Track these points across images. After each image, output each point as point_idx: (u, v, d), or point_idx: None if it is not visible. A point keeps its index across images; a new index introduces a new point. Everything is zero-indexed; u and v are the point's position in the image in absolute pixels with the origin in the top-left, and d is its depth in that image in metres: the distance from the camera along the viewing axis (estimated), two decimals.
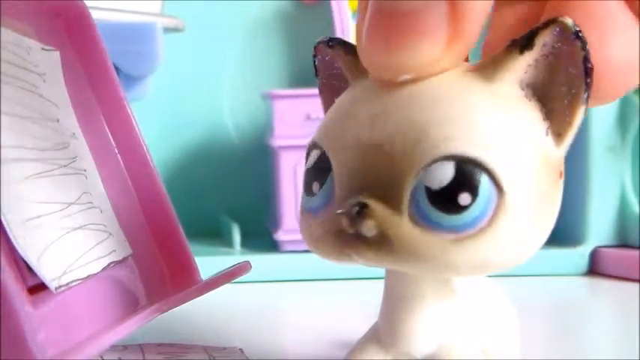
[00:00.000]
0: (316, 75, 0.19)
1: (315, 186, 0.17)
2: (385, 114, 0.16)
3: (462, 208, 0.15)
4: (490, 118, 0.15)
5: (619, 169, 0.43)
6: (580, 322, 0.33)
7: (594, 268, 0.43)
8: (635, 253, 0.41)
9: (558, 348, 0.27)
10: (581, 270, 0.42)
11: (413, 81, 0.16)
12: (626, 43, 0.16)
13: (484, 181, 0.15)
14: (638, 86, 0.17)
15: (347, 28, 0.48)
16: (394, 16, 0.15)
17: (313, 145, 0.17)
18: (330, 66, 0.19)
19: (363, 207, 0.15)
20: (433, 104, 0.15)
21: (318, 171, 0.17)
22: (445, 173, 0.15)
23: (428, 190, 0.15)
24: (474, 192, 0.15)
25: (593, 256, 0.43)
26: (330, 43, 0.18)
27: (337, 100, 0.18)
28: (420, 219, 0.15)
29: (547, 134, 0.16)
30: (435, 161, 0.15)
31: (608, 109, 0.42)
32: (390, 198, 0.15)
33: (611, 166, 0.43)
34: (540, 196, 0.15)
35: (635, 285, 0.38)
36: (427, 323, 0.17)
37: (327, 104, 0.19)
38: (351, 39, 0.47)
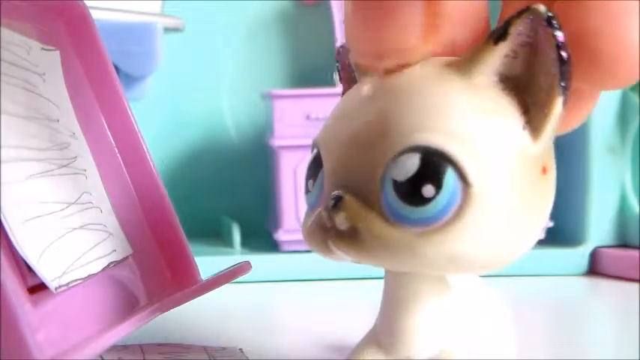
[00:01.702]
0: (340, 80, 0.19)
1: (310, 183, 0.17)
2: (363, 108, 0.16)
3: (426, 200, 0.15)
4: (461, 110, 0.15)
5: (619, 169, 0.43)
6: (580, 322, 0.33)
7: (594, 268, 0.43)
8: (635, 253, 0.41)
9: (558, 348, 0.27)
10: (581, 270, 0.42)
11: (394, 74, 0.16)
12: (636, 24, 0.16)
13: (449, 173, 0.14)
14: (638, 84, 0.17)
15: None
16: (372, 5, 0.15)
17: (313, 145, 0.17)
18: (350, 69, 0.19)
19: (338, 200, 0.15)
20: (404, 95, 0.15)
21: (313, 169, 0.17)
22: (411, 164, 0.15)
23: (394, 182, 0.15)
24: (437, 184, 0.14)
25: (593, 256, 0.43)
26: (343, 47, 0.18)
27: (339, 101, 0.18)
28: (388, 212, 0.15)
29: (524, 128, 0.15)
30: (401, 153, 0.15)
31: (608, 109, 0.42)
32: (364, 192, 0.15)
33: (611, 166, 0.43)
34: (518, 192, 0.15)
35: (635, 285, 0.38)
36: (425, 325, 0.17)
37: None
38: None
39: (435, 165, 0.14)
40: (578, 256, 0.43)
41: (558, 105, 0.15)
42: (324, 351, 0.26)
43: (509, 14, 0.15)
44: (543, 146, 0.15)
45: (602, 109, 0.42)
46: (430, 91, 0.15)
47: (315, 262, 0.41)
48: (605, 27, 0.15)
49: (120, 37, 0.43)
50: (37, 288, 0.20)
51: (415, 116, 0.15)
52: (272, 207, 0.47)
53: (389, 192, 0.15)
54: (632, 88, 0.42)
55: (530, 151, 0.15)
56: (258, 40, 0.52)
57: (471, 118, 0.15)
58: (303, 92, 0.44)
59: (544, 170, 0.16)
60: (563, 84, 0.15)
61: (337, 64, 0.19)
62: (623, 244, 0.43)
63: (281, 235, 0.43)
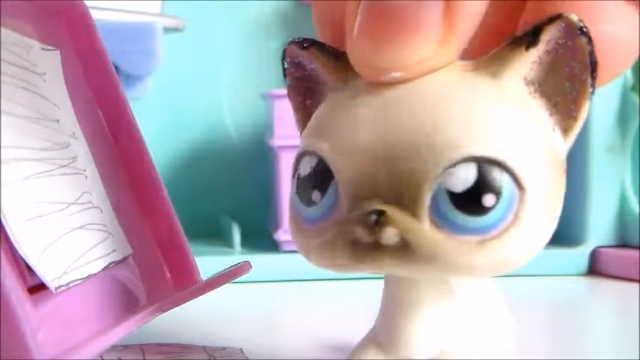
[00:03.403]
0: (284, 77, 0.19)
1: (316, 195, 0.16)
2: (391, 116, 0.15)
3: (487, 210, 0.15)
4: (501, 116, 0.15)
5: (619, 169, 0.43)
6: (580, 322, 0.33)
7: (594, 268, 0.43)
8: (635, 253, 0.41)
9: (558, 348, 0.27)
10: (581, 270, 0.42)
11: (409, 81, 0.15)
12: (617, 23, 0.16)
13: (506, 181, 0.15)
14: (638, 84, 0.17)
15: None
16: (387, 13, 0.15)
17: (306, 153, 0.17)
18: (301, 68, 0.18)
19: (381, 214, 0.15)
20: (440, 104, 0.15)
21: (318, 179, 0.16)
22: (467, 175, 0.15)
23: (450, 193, 0.15)
24: (498, 192, 0.15)
25: (593, 256, 0.43)
26: (305, 45, 0.18)
27: (329, 104, 0.17)
28: (443, 223, 0.15)
29: (554, 130, 0.16)
30: (454, 164, 0.15)
31: (608, 109, 0.42)
32: (407, 204, 0.15)
33: (611, 166, 0.43)
34: (555, 192, 0.15)
35: (635, 285, 0.38)
36: (426, 327, 0.17)
37: (299, 109, 0.19)
38: None
39: (493, 174, 0.15)
40: (578, 256, 0.43)
41: (586, 108, 0.16)
42: (324, 351, 0.26)
43: (531, 15, 0.16)
44: (567, 147, 0.16)
45: (602, 109, 0.42)
46: (464, 99, 0.15)
47: None
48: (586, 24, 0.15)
49: (120, 37, 0.43)
50: (37, 288, 0.20)
51: (459, 126, 0.15)
52: (272, 207, 0.47)
53: (443, 203, 0.15)
54: (632, 88, 0.42)
55: (559, 151, 0.16)
56: (258, 40, 0.52)
57: (510, 125, 0.15)
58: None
59: (564, 170, 0.16)
60: (592, 90, 0.15)
61: (284, 63, 0.18)
62: (623, 244, 0.43)
63: (281, 235, 0.43)
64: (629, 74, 0.41)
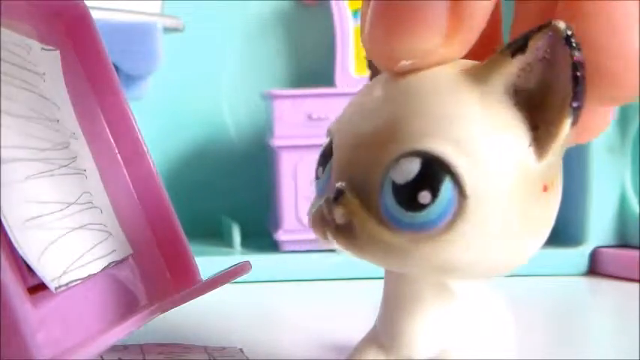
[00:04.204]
0: (369, 72, 0.19)
1: (320, 170, 0.17)
2: (375, 107, 0.16)
3: (421, 207, 0.14)
4: (470, 121, 0.15)
5: (619, 169, 0.43)
6: (580, 322, 0.33)
7: (594, 268, 0.43)
8: (635, 253, 0.41)
9: (558, 348, 0.27)
10: (581, 270, 0.42)
11: (409, 74, 0.16)
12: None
13: (446, 182, 0.14)
14: None
15: (347, 28, 0.48)
16: (396, 6, 0.15)
17: (328, 132, 0.17)
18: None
19: (339, 194, 0.15)
20: (415, 99, 0.15)
21: (324, 157, 0.17)
22: (411, 169, 0.14)
23: (394, 184, 0.15)
24: (434, 191, 0.14)
25: (593, 256, 0.43)
26: None
27: (357, 93, 0.18)
28: (384, 214, 0.15)
29: (530, 145, 0.15)
30: (403, 156, 0.15)
31: None
32: (364, 190, 0.15)
33: (611, 166, 0.43)
34: (515, 208, 0.15)
35: (635, 285, 0.38)
36: (426, 326, 0.17)
37: None
38: (351, 39, 0.47)
39: (433, 172, 0.14)
40: (578, 256, 0.43)
41: (566, 125, 0.14)
42: (324, 351, 0.26)
43: (526, 13, 0.15)
44: (547, 164, 0.15)
45: None
46: (442, 98, 0.15)
47: (315, 262, 0.41)
48: (606, 40, 0.15)
49: (120, 37, 0.43)
50: (37, 288, 0.20)
51: (423, 121, 0.15)
52: (272, 207, 0.47)
53: (387, 193, 0.15)
54: None
55: (532, 169, 0.15)
56: (258, 40, 0.52)
57: (478, 130, 0.15)
58: (303, 92, 0.44)
59: (545, 188, 0.15)
60: (575, 104, 0.14)
61: (368, 61, 0.19)
62: (623, 244, 0.43)
63: (281, 235, 0.43)
64: None
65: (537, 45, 0.15)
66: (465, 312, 0.18)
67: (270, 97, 0.44)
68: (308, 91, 0.44)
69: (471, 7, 0.15)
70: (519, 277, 0.38)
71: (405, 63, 0.15)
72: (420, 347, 0.17)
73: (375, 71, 0.18)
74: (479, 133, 0.15)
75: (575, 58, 0.14)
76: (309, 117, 0.43)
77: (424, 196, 0.14)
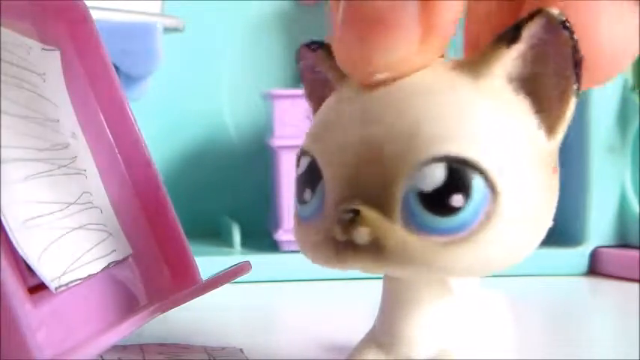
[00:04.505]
0: (301, 81, 0.19)
1: (307, 193, 0.16)
2: (372, 115, 0.15)
3: (455, 210, 0.14)
4: (479, 116, 0.15)
5: (619, 169, 0.43)
6: (580, 322, 0.33)
7: (594, 268, 0.43)
8: (635, 253, 0.41)
9: (558, 348, 0.27)
10: (581, 270, 0.42)
11: (394, 80, 0.15)
12: (616, 24, 0.16)
13: (477, 182, 0.14)
14: (636, 84, 0.17)
15: None
16: (366, 14, 0.15)
17: (302, 153, 0.17)
18: (314, 70, 0.18)
19: (355, 214, 0.15)
20: (420, 103, 0.15)
21: (309, 178, 0.16)
22: (437, 175, 0.14)
23: (420, 193, 0.15)
24: (467, 193, 0.14)
25: (593, 256, 0.43)
26: (313, 47, 0.18)
27: (324, 105, 0.17)
28: (413, 223, 0.15)
29: (539, 128, 0.15)
30: (425, 163, 0.14)
31: (608, 109, 0.42)
32: (382, 203, 0.15)
33: (611, 166, 0.43)
34: (536, 194, 0.15)
35: (635, 285, 0.38)
36: (425, 326, 0.17)
37: (315, 110, 0.19)
38: None
39: (463, 174, 0.14)
40: (578, 256, 0.43)
41: (571, 105, 0.15)
42: (324, 351, 0.26)
43: (479, 13, 0.15)
44: (556, 145, 0.15)
45: (602, 109, 0.42)
46: (444, 97, 0.15)
47: None
48: (579, 27, 0.15)
49: (120, 37, 0.43)
50: (37, 288, 0.20)
51: (434, 125, 0.15)
52: (272, 207, 0.47)
53: (413, 202, 0.15)
54: (632, 88, 0.42)
55: (545, 150, 0.15)
56: (258, 40, 0.52)
57: (490, 124, 0.15)
58: (303, 92, 0.44)
59: (554, 170, 0.16)
60: (576, 86, 0.15)
61: (298, 65, 0.19)
62: (623, 244, 0.43)
63: (281, 235, 0.43)
64: (629, 74, 0.41)
65: (531, 32, 0.15)
66: (463, 311, 0.18)
67: (270, 97, 0.44)
68: None
69: (441, 9, 0.15)
70: (519, 277, 0.38)
71: (379, 76, 0.15)
72: (419, 347, 0.17)
73: (314, 85, 0.18)
74: (493, 126, 0.15)
75: (574, 41, 0.15)
76: (309, 117, 0.43)
77: (457, 200, 0.14)
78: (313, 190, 0.16)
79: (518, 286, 0.37)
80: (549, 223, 0.16)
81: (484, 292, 0.19)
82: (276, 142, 0.43)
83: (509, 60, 0.15)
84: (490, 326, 0.19)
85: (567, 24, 0.15)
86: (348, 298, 0.37)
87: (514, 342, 0.19)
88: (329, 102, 0.17)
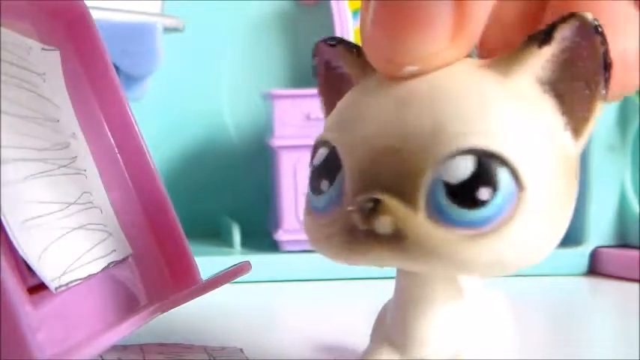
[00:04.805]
0: (315, 76, 0.19)
1: (324, 184, 0.16)
2: (399, 109, 0.15)
3: (481, 203, 0.14)
4: (508, 113, 0.15)
5: (619, 169, 0.43)
6: (580, 322, 0.33)
7: (594, 268, 0.43)
8: (635, 253, 0.41)
9: (558, 348, 0.27)
10: (581, 270, 0.42)
11: (423, 75, 0.15)
12: (634, 40, 0.16)
13: (505, 176, 0.14)
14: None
15: (347, 28, 0.48)
16: (398, 8, 0.15)
17: (322, 143, 0.17)
18: (329, 66, 0.19)
19: (377, 203, 0.15)
20: (449, 98, 0.15)
21: (328, 168, 0.16)
22: (465, 167, 0.14)
23: (446, 184, 0.14)
24: (494, 186, 0.14)
25: (593, 256, 0.43)
26: (332, 43, 0.18)
27: (346, 97, 0.17)
28: (437, 215, 0.15)
29: (565, 129, 0.15)
30: (453, 155, 0.14)
31: (608, 109, 0.42)
32: (405, 194, 0.15)
33: (611, 166, 0.43)
34: (558, 195, 0.15)
35: (635, 285, 0.38)
36: (439, 327, 0.17)
37: (328, 105, 0.19)
38: (351, 39, 0.47)
39: (491, 167, 0.14)
40: (578, 256, 0.43)
41: (598, 108, 0.15)
42: (324, 351, 0.26)
43: (501, 18, 0.15)
44: (580, 149, 0.16)
45: (602, 109, 0.42)
46: (474, 93, 0.15)
47: (315, 262, 0.41)
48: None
49: (120, 37, 0.43)
50: (37, 288, 0.20)
51: (463, 119, 0.15)
52: (272, 207, 0.47)
53: (439, 194, 0.15)
54: None
55: (571, 152, 0.15)
56: (258, 40, 0.52)
57: (516, 122, 0.15)
58: (303, 92, 0.44)
59: (576, 174, 0.16)
60: (604, 91, 0.15)
61: (315, 60, 0.19)
62: (623, 244, 0.43)
63: (281, 235, 0.43)
64: None
65: (563, 35, 0.15)
66: (476, 312, 0.18)
67: (270, 97, 0.44)
68: (308, 91, 0.44)
69: (474, 6, 0.15)
70: (519, 277, 0.38)
71: (409, 69, 0.15)
72: (433, 347, 0.17)
73: (328, 80, 0.18)
74: (519, 124, 0.15)
75: (605, 46, 0.15)
76: (309, 117, 0.43)
77: (484, 193, 0.14)
78: (331, 180, 0.16)
79: (518, 286, 0.37)
80: (566, 225, 0.16)
81: (485, 293, 0.19)
82: (276, 142, 0.43)
83: (540, 61, 0.15)
84: (490, 326, 0.19)
85: (600, 28, 0.15)
86: (348, 298, 0.37)
87: (514, 342, 0.19)
88: (352, 94, 0.17)
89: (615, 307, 0.36)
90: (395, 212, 0.15)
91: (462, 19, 0.15)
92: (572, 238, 0.43)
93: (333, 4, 0.48)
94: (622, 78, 0.16)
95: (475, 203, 0.14)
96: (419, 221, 0.15)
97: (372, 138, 0.15)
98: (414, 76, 0.16)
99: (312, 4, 0.52)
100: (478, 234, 0.15)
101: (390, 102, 0.16)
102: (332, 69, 0.19)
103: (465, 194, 0.14)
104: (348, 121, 0.16)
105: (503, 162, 0.14)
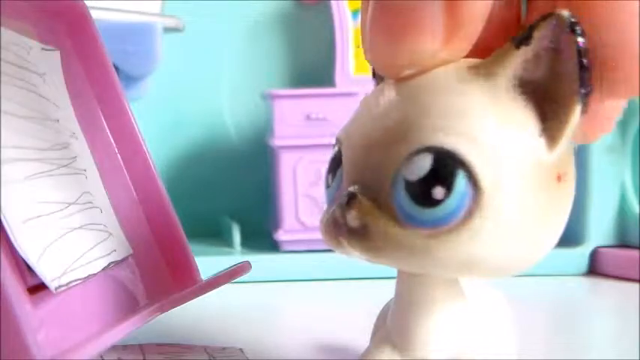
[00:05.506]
0: (373, 77, 0.19)
1: (330, 178, 0.17)
2: (384, 110, 0.16)
3: (436, 202, 0.14)
4: (479, 114, 0.15)
5: (619, 169, 0.43)
6: (580, 322, 0.33)
7: (594, 268, 0.43)
8: (635, 253, 0.41)
9: (558, 348, 0.27)
10: (581, 270, 0.42)
11: (415, 76, 0.16)
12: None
13: (460, 176, 0.14)
14: None
15: (346, 28, 0.48)
16: (393, 11, 0.15)
17: (336, 141, 0.17)
18: None
19: (352, 197, 0.15)
20: (423, 97, 0.15)
21: (333, 164, 0.17)
22: (422, 165, 0.14)
23: (406, 182, 0.15)
24: (448, 186, 0.14)
25: (593, 256, 0.43)
26: None
27: (363, 98, 0.18)
28: (399, 212, 0.15)
29: (540, 136, 0.15)
30: (415, 153, 0.14)
31: None
32: (376, 191, 0.15)
33: (611, 166, 0.43)
34: (531, 200, 0.15)
35: (635, 285, 0.38)
36: (439, 327, 0.17)
37: None
38: (351, 39, 0.47)
39: (446, 167, 0.14)
40: (578, 256, 0.43)
41: (576, 113, 0.15)
42: (324, 351, 0.26)
43: (533, 17, 0.15)
44: (558, 154, 0.15)
45: None
46: (449, 93, 0.15)
47: (315, 262, 0.41)
48: (612, 38, 0.15)
49: (120, 37, 0.43)
50: (37, 288, 0.20)
51: (432, 118, 0.15)
52: (272, 207, 0.47)
53: (400, 192, 0.15)
54: None
55: (545, 159, 0.15)
56: (258, 40, 0.52)
57: (487, 123, 0.15)
58: (303, 92, 0.44)
59: (559, 178, 0.15)
60: (583, 91, 0.14)
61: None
62: (623, 244, 0.43)
63: (281, 235, 0.43)
64: None
65: (541, 34, 0.15)
66: (477, 312, 0.18)
67: (270, 97, 0.44)
68: (308, 91, 0.44)
69: (467, 7, 0.15)
70: (519, 277, 0.38)
71: (407, 70, 0.15)
72: (434, 348, 0.17)
73: (380, 77, 0.18)
74: (489, 126, 0.15)
75: (580, 44, 0.14)
76: (309, 117, 0.43)
77: (438, 192, 0.14)
78: (335, 175, 0.17)
79: (518, 286, 0.37)
80: (555, 231, 0.16)
81: (485, 293, 0.19)
82: (276, 142, 0.43)
83: (519, 61, 0.15)
84: (491, 327, 0.19)
85: (576, 26, 0.14)
86: (348, 298, 0.37)
87: (514, 342, 0.19)
88: (366, 97, 0.18)
89: (615, 307, 0.36)
90: (362, 207, 0.15)
91: (456, 21, 0.15)
92: (572, 238, 0.43)
93: (333, 4, 0.48)
94: (630, 75, 0.15)
95: (430, 202, 0.14)
96: (381, 217, 0.15)
97: (361, 135, 0.16)
98: (412, 76, 0.16)
99: (312, 4, 0.52)
100: (434, 233, 0.15)
101: (382, 101, 0.16)
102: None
103: (421, 192, 0.14)
104: (352, 119, 0.17)
105: (461, 162, 0.14)
